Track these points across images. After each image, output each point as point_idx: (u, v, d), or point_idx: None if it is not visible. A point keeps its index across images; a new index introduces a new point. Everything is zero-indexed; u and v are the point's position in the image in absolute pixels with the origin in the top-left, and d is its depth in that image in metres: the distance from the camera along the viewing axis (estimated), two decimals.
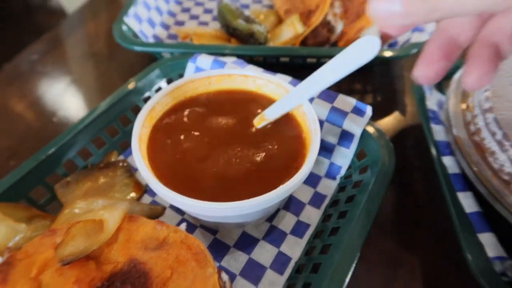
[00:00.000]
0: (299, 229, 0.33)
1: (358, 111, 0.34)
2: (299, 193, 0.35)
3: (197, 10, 0.58)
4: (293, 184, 0.26)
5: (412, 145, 0.41)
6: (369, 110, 0.34)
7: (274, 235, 0.33)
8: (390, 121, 0.43)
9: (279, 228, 0.33)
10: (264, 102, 0.34)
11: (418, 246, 0.33)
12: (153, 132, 0.32)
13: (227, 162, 0.30)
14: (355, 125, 0.34)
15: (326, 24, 0.48)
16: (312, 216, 0.34)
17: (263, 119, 0.32)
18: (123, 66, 0.52)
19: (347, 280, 0.25)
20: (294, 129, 0.32)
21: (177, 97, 0.34)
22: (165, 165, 0.30)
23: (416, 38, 0.44)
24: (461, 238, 0.27)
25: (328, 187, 0.36)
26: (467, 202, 0.28)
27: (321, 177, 0.37)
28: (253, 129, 0.32)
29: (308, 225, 0.33)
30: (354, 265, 0.26)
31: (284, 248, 0.32)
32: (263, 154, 0.30)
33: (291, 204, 0.35)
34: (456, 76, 0.35)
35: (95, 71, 0.53)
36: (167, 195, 0.27)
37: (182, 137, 0.32)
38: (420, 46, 0.44)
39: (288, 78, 0.38)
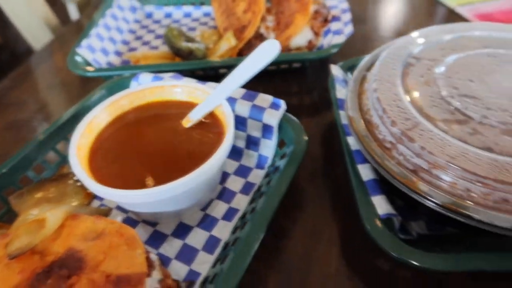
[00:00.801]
0: (229, 214, 0.37)
1: (274, 106, 0.39)
2: (232, 184, 0.39)
3: (149, 36, 0.64)
4: (205, 169, 0.31)
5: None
6: (283, 104, 0.39)
7: (207, 222, 0.36)
8: (317, 113, 0.48)
9: (211, 215, 0.37)
10: (192, 106, 0.39)
11: (332, 218, 0.36)
12: (94, 141, 0.37)
13: (159, 157, 0.34)
14: (273, 118, 0.38)
15: (259, 36, 0.54)
16: (241, 202, 0.38)
17: (189, 120, 0.37)
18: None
19: (256, 246, 0.29)
20: (216, 126, 0.37)
21: (115, 110, 0.39)
22: (104, 168, 0.34)
23: (336, 40, 0.49)
24: (358, 201, 0.31)
25: (257, 176, 0.40)
26: (365, 172, 0.32)
27: (252, 168, 0.41)
28: (182, 130, 0.37)
29: (237, 210, 0.37)
30: (262, 233, 0.30)
31: (215, 231, 0.35)
32: (190, 148, 0.35)
33: (224, 194, 0.39)
34: (361, 64, 0.39)
35: (62, 100, 0.57)
36: (99, 190, 0.31)
37: (118, 143, 0.36)
38: (339, 46, 0.49)
39: (215, 85, 0.42)
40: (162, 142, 0.36)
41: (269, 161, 0.40)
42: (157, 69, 0.48)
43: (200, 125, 0.37)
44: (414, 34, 0.39)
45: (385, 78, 0.34)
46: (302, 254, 0.34)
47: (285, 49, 0.52)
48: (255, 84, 0.51)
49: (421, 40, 0.37)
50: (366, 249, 0.33)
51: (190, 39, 0.55)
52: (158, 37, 0.63)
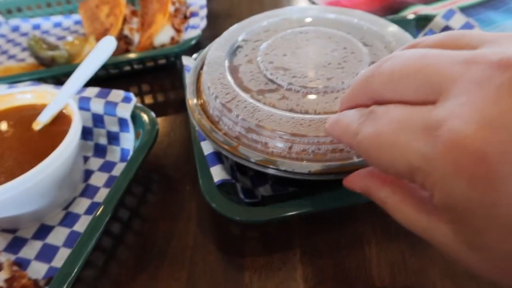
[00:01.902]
0: (92, 208, 0.38)
1: (126, 99, 0.41)
2: (96, 180, 0.41)
3: (15, 50, 0.62)
4: (44, 166, 0.32)
5: None
6: (133, 96, 0.41)
7: (69, 219, 0.37)
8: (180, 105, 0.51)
9: (74, 212, 0.38)
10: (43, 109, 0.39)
11: (190, 197, 0.39)
12: None
13: (9, 163, 0.35)
14: (125, 111, 0.40)
15: (123, 38, 0.55)
16: (104, 195, 0.39)
17: (38, 123, 0.38)
18: None
19: (103, 226, 0.31)
20: (66, 126, 0.37)
21: None
22: None
23: (193, 34, 0.53)
24: (198, 172, 0.34)
25: (121, 169, 0.41)
26: (206, 147, 0.35)
27: (116, 162, 0.42)
28: (33, 133, 0.37)
29: (99, 203, 0.38)
30: (107, 216, 0.32)
31: (76, 227, 0.36)
32: (39, 150, 0.35)
33: (87, 190, 0.40)
34: (204, 51, 0.42)
35: None
36: None
37: None
38: (197, 38, 0.52)
39: None
40: (12, 148, 0.36)
41: (131, 153, 0.42)
42: (14, 80, 0.48)
43: (50, 126, 0.38)
44: (247, 19, 0.43)
45: (214, 60, 0.37)
46: (163, 234, 0.36)
47: (150, 47, 0.54)
48: (126, 84, 0.53)
49: (252, 25, 0.41)
50: (219, 218, 0.36)
51: (53, 47, 0.55)
52: (25, 49, 0.62)
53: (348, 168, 0.29)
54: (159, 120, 0.49)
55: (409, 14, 0.62)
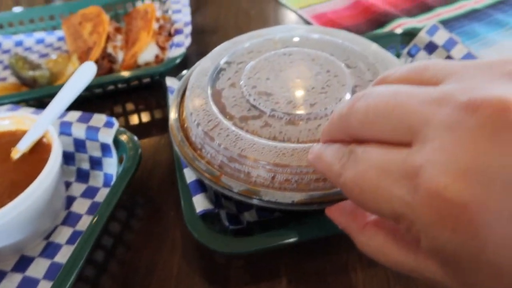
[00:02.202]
0: (74, 238, 0.37)
1: (108, 124, 0.40)
2: (78, 207, 0.40)
3: None
4: (23, 197, 0.31)
5: None
6: (115, 121, 0.40)
7: (50, 250, 0.36)
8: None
9: (55, 242, 0.37)
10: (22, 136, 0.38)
11: (173, 225, 0.38)
12: None
13: None
14: (107, 136, 0.39)
15: (107, 56, 0.54)
16: (87, 223, 0.38)
17: (17, 151, 0.37)
18: None
19: (85, 257, 0.30)
20: (46, 153, 0.37)
21: None
22: None
23: (177, 52, 0.52)
24: (181, 200, 0.33)
25: (104, 194, 0.41)
26: (189, 174, 0.35)
27: (99, 188, 0.41)
28: (11, 162, 0.36)
29: (81, 232, 0.37)
30: (89, 247, 0.31)
31: (58, 258, 0.35)
32: (18, 180, 0.35)
33: (69, 218, 0.39)
34: (188, 73, 0.42)
35: None
36: None
37: None
38: (182, 56, 0.52)
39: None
40: None
41: (114, 178, 0.41)
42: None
43: (30, 154, 0.37)
44: (231, 40, 0.42)
45: (196, 84, 0.37)
46: (147, 263, 0.36)
47: (134, 66, 0.54)
48: (110, 104, 0.52)
49: (236, 46, 0.41)
50: (204, 246, 0.36)
51: (34, 67, 0.54)
52: (6, 67, 0.61)
53: (331, 197, 0.28)
54: (144, 141, 0.48)
55: (395, 28, 0.62)
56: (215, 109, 0.34)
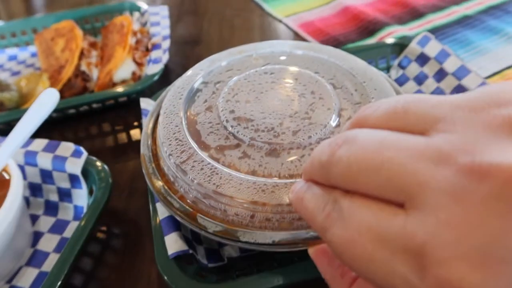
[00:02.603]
0: (38, 281, 0.34)
1: (76, 154, 0.37)
2: (46, 244, 0.36)
3: None
4: None
5: None
6: (84, 150, 0.37)
7: None
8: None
9: (18, 286, 0.33)
10: None
11: (151, 260, 0.35)
12: None
13: None
14: (75, 166, 0.36)
15: (80, 74, 0.51)
16: (53, 262, 0.35)
17: None
18: None
19: None
20: (5, 190, 0.33)
21: None
22: None
23: (154, 68, 0.49)
24: (154, 241, 0.30)
25: (74, 229, 0.37)
26: (162, 210, 0.32)
27: (69, 221, 0.38)
28: None
29: (47, 273, 0.34)
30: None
31: None
32: None
33: (35, 257, 0.35)
34: (162, 95, 0.39)
35: None
36: None
37: None
38: (160, 73, 0.49)
39: None
40: None
41: (85, 211, 0.38)
42: None
43: None
44: (210, 57, 0.39)
45: (170, 109, 0.34)
46: None
47: (110, 84, 0.51)
48: (82, 125, 0.49)
49: (213, 63, 0.38)
50: None
51: (3, 88, 0.51)
52: None
53: (317, 236, 0.25)
54: (119, 166, 0.45)
55: (385, 36, 0.60)
56: (189, 137, 0.31)
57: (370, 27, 0.62)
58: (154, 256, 0.35)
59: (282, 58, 0.38)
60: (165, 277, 0.28)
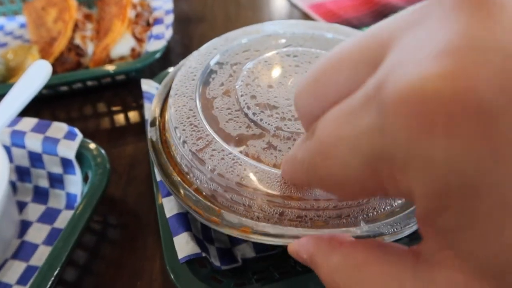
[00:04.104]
0: (26, 276, 0.30)
1: (70, 136, 0.33)
2: (34, 235, 0.33)
3: None
4: None
5: None
6: (78, 132, 0.33)
7: None
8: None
9: (3, 282, 0.30)
10: None
11: (152, 255, 0.32)
12: None
13: None
14: (69, 150, 0.32)
15: (74, 49, 0.47)
16: (43, 256, 0.31)
17: None
18: None
19: None
20: None
21: None
22: None
23: (156, 45, 0.45)
24: (163, 242, 0.27)
25: (66, 218, 0.33)
26: (169, 207, 0.28)
27: (61, 210, 0.34)
28: None
29: (37, 267, 0.30)
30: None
31: None
32: None
33: (22, 249, 0.32)
34: (169, 75, 0.35)
35: None
36: None
37: None
38: (162, 50, 0.44)
39: None
40: None
41: (78, 199, 0.34)
42: None
43: None
44: (223, 36, 0.36)
45: (182, 90, 0.30)
46: None
47: (106, 60, 0.46)
48: (75, 105, 0.45)
49: (228, 43, 0.34)
50: None
51: None
52: None
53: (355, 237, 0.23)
54: (117, 150, 0.41)
55: None
56: (205, 123, 0.27)
57: (384, 11, 0.59)
58: (160, 247, 0.32)
59: (305, 39, 0.34)
60: (176, 283, 0.25)
